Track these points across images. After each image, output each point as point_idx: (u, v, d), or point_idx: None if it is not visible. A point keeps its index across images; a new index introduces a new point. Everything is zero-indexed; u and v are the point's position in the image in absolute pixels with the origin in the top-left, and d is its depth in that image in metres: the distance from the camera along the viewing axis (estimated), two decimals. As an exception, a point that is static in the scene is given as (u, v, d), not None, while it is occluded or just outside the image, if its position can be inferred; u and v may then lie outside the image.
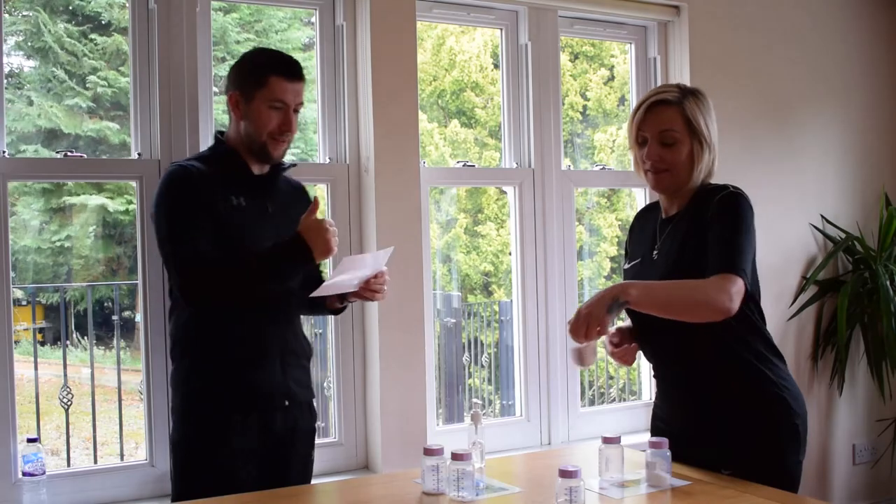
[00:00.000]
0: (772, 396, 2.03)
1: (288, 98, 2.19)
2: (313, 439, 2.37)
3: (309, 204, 2.23)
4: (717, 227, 1.99)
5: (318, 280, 2.31)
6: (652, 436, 2.18)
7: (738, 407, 2.02)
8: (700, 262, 1.98)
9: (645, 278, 2.08)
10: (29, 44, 6.33)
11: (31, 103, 6.00)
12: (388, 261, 2.26)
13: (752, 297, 2.03)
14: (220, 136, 2.29)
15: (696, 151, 2.08)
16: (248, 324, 2.18)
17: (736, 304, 1.91)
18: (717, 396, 2.05)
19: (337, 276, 2.12)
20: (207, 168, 2.18)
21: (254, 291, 2.14)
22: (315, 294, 2.12)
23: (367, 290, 2.25)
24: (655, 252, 2.13)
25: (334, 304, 2.36)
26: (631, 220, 2.38)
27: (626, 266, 2.26)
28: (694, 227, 2.05)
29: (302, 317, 2.43)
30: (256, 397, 2.18)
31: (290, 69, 2.21)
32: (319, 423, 2.58)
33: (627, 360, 2.26)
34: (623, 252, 2.41)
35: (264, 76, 2.17)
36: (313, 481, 2.69)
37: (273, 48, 2.40)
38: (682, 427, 2.10)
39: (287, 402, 2.23)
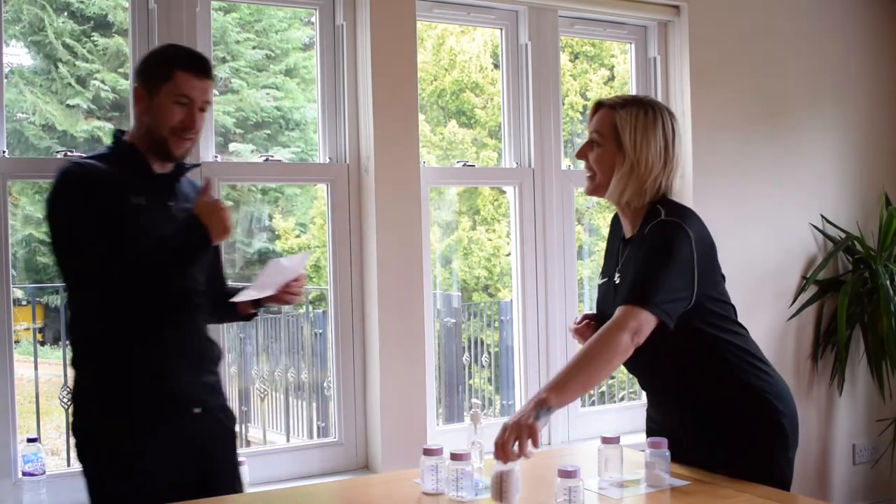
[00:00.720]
0: (753, 400, 2.02)
1: (194, 94, 2.09)
2: (235, 445, 2.27)
3: None
4: (638, 259, 1.97)
5: (221, 284, 2.30)
6: (648, 436, 2.18)
7: (721, 414, 2.03)
8: None
9: (609, 301, 2.08)
10: (29, 39, 6.33)
11: (28, 105, 6.00)
12: (307, 264, 2.25)
13: (712, 313, 2.01)
14: (119, 133, 2.20)
15: (617, 162, 2.01)
16: (155, 331, 2.09)
17: (641, 336, 1.86)
18: (699, 406, 2.05)
19: (259, 280, 2.11)
20: (106, 166, 2.10)
21: (158, 277, 2.05)
22: (238, 299, 2.11)
23: (286, 293, 2.20)
24: (617, 276, 2.10)
25: (247, 310, 2.31)
26: None
27: (599, 282, 2.22)
28: (635, 254, 2.03)
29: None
30: (167, 406, 2.09)
31: (198, 65, 2.12)
32: (319, 423, 2.54)
33: (586, 335, 2.13)
34: None
35: (171, 70, 2.07)
36: (314, 481, 2.70)
37: (183, 45, 2.33)
38: (674, 431, 2.09)
39: (199, 410, 2.14)
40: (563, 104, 3.51)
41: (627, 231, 2.12)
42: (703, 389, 2.04)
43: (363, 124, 2.98)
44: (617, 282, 2.08)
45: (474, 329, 4.79)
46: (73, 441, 2.11)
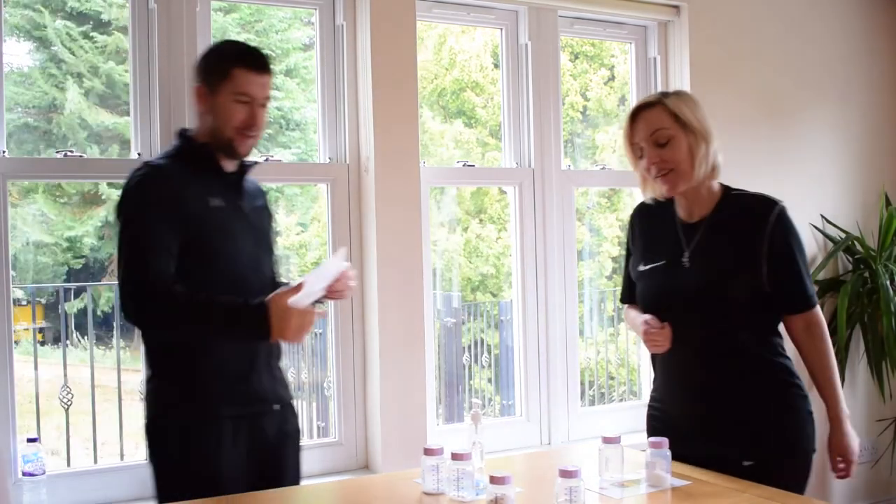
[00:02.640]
0: (788, 385, 2.09)
1: (254, 91, 2.07)
2: (299, 441, 2.29)
3: (266, 201, 2.25)
4: (786, 256, 2.06)
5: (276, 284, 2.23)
6: (649, 432, 2.18)
7: (757, 397, 2.07)
8: (741, 271, 2.06)
9: (673, 282, 2.11)
10: (29, 32, 6.33)
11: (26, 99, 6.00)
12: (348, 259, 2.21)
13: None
14: (185, 132, 2.17)
15: (692, 143, 2.08)
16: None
17: None
18: (736, 387, 2.07)
19: (305, 290, 2.00)
20: (183, 168, 2.07)
21: (201, 337, 2.02)
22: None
23: (333, 292, 2.15)
24: (685, 258, 2.12)
25: None
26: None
27: (644, 268, 2.20)
28: (733, 237, 2.08)
29: None
30: (245, 402, 2.10)
31: (255, 61, 2.10)
32: (319, 423, 2.54)
33: (663, 343, 2.12)
34: (625, 251, 2.39)
35: (229, 68, 2.06)
36: (314, 481, 2.69)
37: (240, 40, 2.30)
38: (694, 421, 2.11)
39: (277, 406, 2.17)
40: (563, 104, 3.51)
41: (691, 215, 2.16)
42: (744, 371, 2.07)
43: (363, 124, 2.98)
44: (686, 264, 2.11)
45: (474, 329, 4.78)
46: (144, 441, 2.09)
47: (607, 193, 6.11)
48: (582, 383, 3.56)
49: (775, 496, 1.85)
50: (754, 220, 2.07)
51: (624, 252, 2.41)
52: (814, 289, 2.13)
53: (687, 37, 3.54)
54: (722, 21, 3.62)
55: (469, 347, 4.68)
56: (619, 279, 2.95)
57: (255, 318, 1.92)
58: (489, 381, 4.88)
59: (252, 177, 2.26)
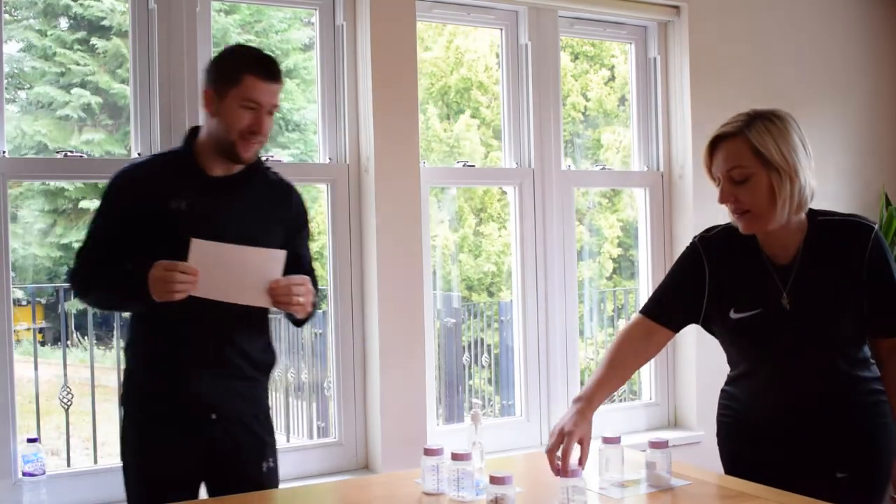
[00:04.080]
0: (879, 393, 1.99)
1: (262, 98, 2.08)
2: (263, 455, 2.21)
3: (292, 204, 2.24)
4: (883, 278, 1.92)
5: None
6: (721, 434, 2.13)
7: (850, 409, 1.97)
8: (846, 307, 1.93)
9: (776, 329, 1.96)
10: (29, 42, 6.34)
11: (27, 111, 6.00)
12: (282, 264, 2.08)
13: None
14: (191, 132, 2.20)
15: (776, 183, 1.86)
16: (179, 333, 2.10)
17: None
18: (829, 403, 1.97)
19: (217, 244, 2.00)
20: (156, 169, 2.16)
21: (107, 305, 2.26)
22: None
23: (277, 299, 2.07)
24: (784, 301, 1.94)
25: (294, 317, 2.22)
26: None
27: (739, 316, 2.00)
28: (832, 271, 1.93)
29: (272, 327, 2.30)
30: (181, 409, 2.11)
31: (266, 69, 2.11)
32: (319, 423, 2.52)
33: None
34: (677, 268, 2.15)
35: (239, 74, 2.07)
36: (314, 481, 2.69)
37: (253, 46, 2.29)
38: (781, 430, 2.00)
39: (214, 416, 2.12)
40: (564, 104, 3.52)
41: (783, 255, 1.97)
42: (847, 387, 1.98)
43: (363, 124, 2.98)
44: (787, 307, 1.94)
45: (474, 329, 4.79)
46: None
47: (607, 193, 6.12)
48: (582, 383, 3.56)
49: (775, 496, 1.85)
50: (852, 250, 1.93)
51: (672, 268, 2.17)
52: None
53: (687, 37, 3.54)
54: (722, 21, 3.62)
55: (469, 347, 4.68)
56: (619, 279, 2.94)
57: (139, 277, 2.00)
58: (489, 381, 4.88)
59: (277, 177, 2.27)
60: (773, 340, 1.97)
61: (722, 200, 1.94)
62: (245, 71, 2.07)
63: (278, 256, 2.06)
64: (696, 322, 2.10)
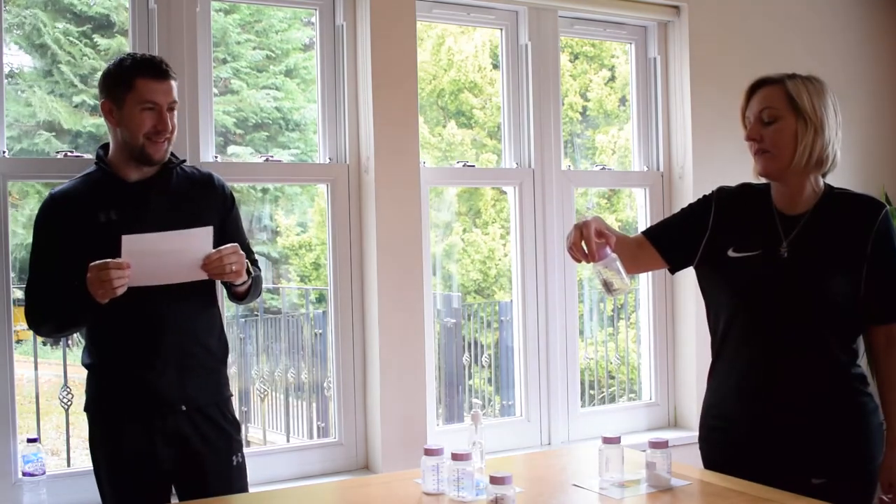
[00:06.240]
0: (862, 394, 2.01)
1: (158, 98, 2.16)
2: (231, 449, 2.29)
3: (216, 187, 2.29)
4: (887, 260, 1.97)
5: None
6: (704, 451, 2.15)
7: (829, 406, 1.99)
8: (841, 269, 1.97)
9: (769, 273, 2.00)
10: (29, 40, 6.33)
11: (29, 104, 6.00)
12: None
13: None
14: (100, 151, 2.27)
15: (800, 130, 1.97)
16: (140, 328, 2.18)
17: None
18: (808, 389, 1.99)
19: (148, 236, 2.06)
20: (80, 187, 2.21)
21: (64, 321, 2.21)
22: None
23: (210, 269, 2.12)
24: (784, 249, 2.00)
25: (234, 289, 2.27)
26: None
27: (736, 255, 2.06)
28: (836, 235, 1.99)
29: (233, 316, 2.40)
30: (147, 403, 2.18)
31: (156, 69, 2.18)
32: (319, 423, 2.55)
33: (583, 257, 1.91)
34: (687, 209, 2.24)
35: (132, 79, 2.15)
36: (314, 481, 2.69)
37: (137, 52, 2.37)
38: (757, 433, 2.02)
39: (184, 407, 2.21)
40: (563, 104, 3.51)
41: (791, 208, 2.05)
42: (828, 372, 2.00)
43: (363, 124, 2.98)
44: (784, 255, 2.01)
45: (474, 329, 4.79)
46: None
47: (607, 194, 6.12)
48: (582, 383, 3.56)
49: (775, 496, 1.85)
50: (861, 220, 1.98)
51: (683, 209, 2.26)
52: None
53: (687, 37, 3.54)
54: (722, 21, 3.62)
55: (469, 347, 4.68)
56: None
57: (84, 288, 2.04)
58: (489, 381, 4.88)
59: (197, 171, 2.36)
60: (767, 283, 2.01)
61: (748, 137, 2.06)
62: (136, 76, 2.15)
63: (205, 233, 2.12)
64: (690, 263, 2.16)
